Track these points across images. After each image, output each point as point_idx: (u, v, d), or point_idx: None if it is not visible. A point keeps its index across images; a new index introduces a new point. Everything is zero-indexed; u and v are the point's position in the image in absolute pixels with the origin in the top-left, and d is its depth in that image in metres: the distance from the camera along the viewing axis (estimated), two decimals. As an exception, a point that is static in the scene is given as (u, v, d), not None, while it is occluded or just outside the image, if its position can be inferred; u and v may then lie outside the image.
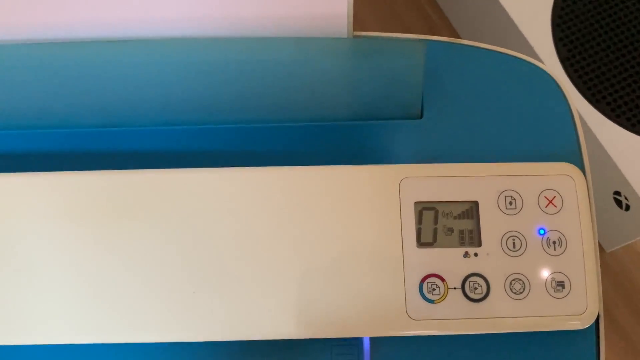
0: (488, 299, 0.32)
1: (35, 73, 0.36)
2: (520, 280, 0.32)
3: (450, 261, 0.32)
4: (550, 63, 0.56)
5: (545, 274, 0.32)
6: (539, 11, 0.58)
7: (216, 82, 0.36)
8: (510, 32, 0.58)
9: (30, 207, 0.32)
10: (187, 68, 0.36)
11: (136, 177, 0.33)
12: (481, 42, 0.38)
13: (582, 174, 0.34)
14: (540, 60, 0.52)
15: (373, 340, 0.33)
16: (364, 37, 0.37)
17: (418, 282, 0.32)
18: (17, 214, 0.32)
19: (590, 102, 0.55)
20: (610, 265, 0.62)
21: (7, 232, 0.32)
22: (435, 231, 0.33)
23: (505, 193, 0.33)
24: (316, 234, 0.32)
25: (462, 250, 0.33)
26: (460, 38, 0.57)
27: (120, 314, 0.31)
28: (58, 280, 0.32)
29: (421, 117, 0.36)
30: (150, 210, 0.32)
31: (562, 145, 0.36)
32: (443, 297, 0.32)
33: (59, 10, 0.36)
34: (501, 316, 0.32)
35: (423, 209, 0.33)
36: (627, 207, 0.54)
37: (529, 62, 0.37)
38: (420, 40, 0.37)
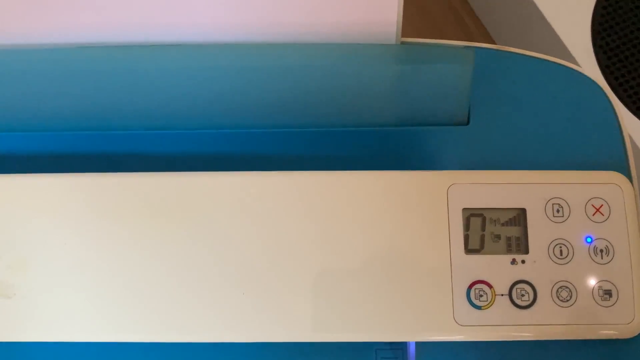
0: (535, 306, 0.32)
1: (53, 76, 0.37)
2: (567, 288, 0.32)
3: (497, 268, 0.32)
4: (590, 70, 0.56)
5: (592, 282, 0.32)
6: (579, 18, 0.57)
7: (266, 87, 0.36)
8: (550, 39, 0.58)
9: (78, 208, 0.33)
10: (238, 73, 0.36)
11: (188, 179, 0.33)
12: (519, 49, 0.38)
13: (629, 183, 0.34)
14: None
15: (418, 345, 0.33)
16: (412, 43, 0.37)
17: (465, 288, 0.32)
18: (65, 216, 0.33)
19: (630, 109, 0.55)
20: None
21: (51, 233, 0.33)
22: (482, 238, 0.33)
23: (553, 201, 0.33)
24: (365, 239, 0.32)
25: (510, 257, 0.33)
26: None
27: (170, 314, 0.32)
28: (110, 282, 0.32)
29: (468, 123, 0.36)
30: (205, 214, 0.33)
31: (609, 153, 0.36)
32: (490, 304, 0.32)
33: (86, 14, 0.36)
34: (547, 323, 0.32)
35: (471, 216, 0.33)
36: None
37: (576, 70, 0.37)
38: (468, 46, 0.37)
